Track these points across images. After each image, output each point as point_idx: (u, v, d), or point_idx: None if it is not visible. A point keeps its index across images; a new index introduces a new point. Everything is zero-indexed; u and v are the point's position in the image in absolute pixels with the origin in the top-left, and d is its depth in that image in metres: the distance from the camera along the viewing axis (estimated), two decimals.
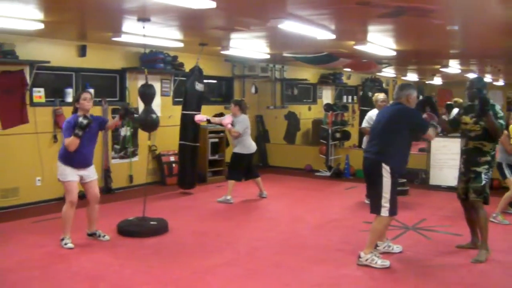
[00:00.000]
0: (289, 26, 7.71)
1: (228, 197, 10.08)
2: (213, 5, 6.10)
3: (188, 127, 10.74)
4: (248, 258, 6.77)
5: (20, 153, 9.63)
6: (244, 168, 10.32)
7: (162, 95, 12.14)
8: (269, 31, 8.93)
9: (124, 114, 7.51)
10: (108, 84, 11.45)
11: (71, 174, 7.10)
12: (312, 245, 7.36)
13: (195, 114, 10.49)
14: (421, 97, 7.47)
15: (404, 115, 6.36)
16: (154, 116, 8.32)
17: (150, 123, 8.37)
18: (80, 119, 6.88)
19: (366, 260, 6.34)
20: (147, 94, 8.40)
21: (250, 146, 10.25)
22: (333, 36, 8.83)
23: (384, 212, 6.26)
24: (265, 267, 6.39)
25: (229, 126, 10.13)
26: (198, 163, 11.31)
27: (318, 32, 8.43)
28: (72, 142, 6.89)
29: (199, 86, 10.69)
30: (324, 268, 6.38)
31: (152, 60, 11.32)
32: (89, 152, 7.23)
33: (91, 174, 7.34)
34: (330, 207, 9.86)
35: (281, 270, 6.30)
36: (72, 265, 6.48)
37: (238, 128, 10.10)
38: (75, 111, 7.17)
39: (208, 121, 10.68)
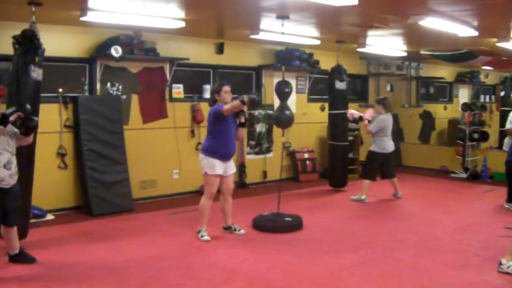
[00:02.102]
0: (430, 22, 7.53)
1: (363, 197, 9.96)
2: (355, 1, 6.04)
3: (336, 127, 10.72)
4: (384, 258, 6.65)
5: (159, 147, 9.99)
6: (379, 167, 10.15)
7: (297, 92, 12.20)
8: (408, 28, 8.76)
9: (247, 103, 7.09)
10: (245, 81, 11.64)
11: (219, 168, 7.20)
12: (449, 248, 7.12)
13: (341, 112, 10.51)
14: None
15: None
16: (288, 113, 8.35)
17: (284, 120, 8.40)
18: (249, 96, 6.88)
19: (508, 267, 6.04)
20: (283, 91, 8.45)
21: (384, 146, 9.98)
22: (476, 33, 8.55)
23: None
24: (401, 269, 6.26)
25: (366, 121, 10.13)
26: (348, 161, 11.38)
27: (460, 28, 8.20)
28: (235, 105, 6.96)
29: (338, 85, 10.61)
30: (463, 273, 6.15)
31: (288, 58, 11.39)
32: (232, 139, 7.31)
33: (232, 167, 7.46)
34: (467, 210, 9.51)
35: (417, 273, 6.13)
36: (208, 257, 6.63)
37: (371, 128, 10.01)
38: (213, 103, 7.30)
39: (360, 117, 10.40)
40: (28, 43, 6.46)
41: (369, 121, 10.07)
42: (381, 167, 10.20)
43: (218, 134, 7.16)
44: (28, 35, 6.48)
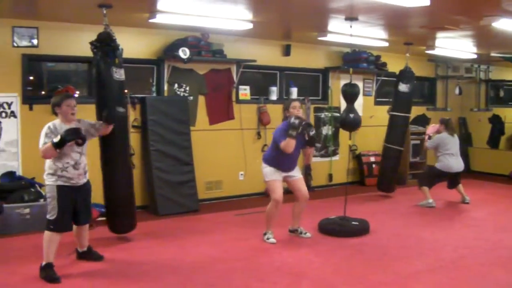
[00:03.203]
0: (503, 24, 7.34)
1: (430, 201, 9.77)
2: (427, 2, 5.93)
3: (395, 130, 10.57)
4: (452, 266, 6.46)
5: (226, 148, 10.06)
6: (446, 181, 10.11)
7: (364, 94, 12.09)
8: (480, 29, 8.54)
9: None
10: (311, 83, 11.59)
11: (275, 174, 7.18)
12: None
13: (404, 116, 10.38)
14: None
15: None
16: (355, 115, 8.26)
17: (350, 123, 8.31)
18: (292, 119, 6.92)
19: None
20: (350, 94, 8.37)
21: (448, 165, 9.83)
22: None
23: None
24: (471, 278, 6.07)
25: (427, 137, 10.17)
26: (399, 167, 11.10)
27: None
28: (288, 144, 6.91)
29: (401, 87, 10.45)
30: None
31: (356, 60, 11.28)
32: (296, 155, 7.25)
33: (296, 173, 7.38)
34: None
35: (488, 283, 5.95)
36: (274, 259, 6.60)
37: (429, 144, 10.07)
38: (285, 118, 7.25)
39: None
40: (105, 46, 6.59)
41: (429, 137, 9.99)
42: (448, 182, 10.16)
43: (280, 150, 7.07)
44: (104, 38, 6.60)
